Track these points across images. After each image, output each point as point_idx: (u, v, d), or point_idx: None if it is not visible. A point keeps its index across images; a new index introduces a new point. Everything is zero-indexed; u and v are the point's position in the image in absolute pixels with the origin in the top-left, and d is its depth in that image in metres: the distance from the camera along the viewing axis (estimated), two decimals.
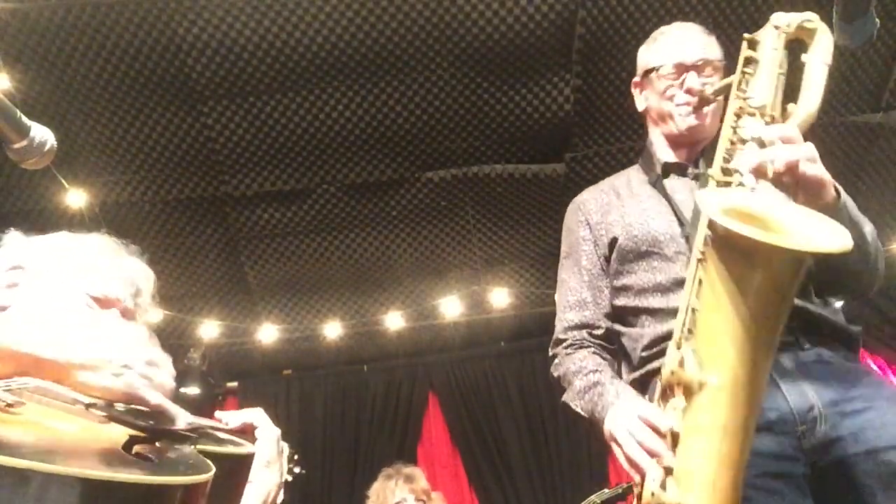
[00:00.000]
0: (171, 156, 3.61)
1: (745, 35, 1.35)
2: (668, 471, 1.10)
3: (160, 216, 3.90)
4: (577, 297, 1.61)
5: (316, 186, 3.90)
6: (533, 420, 4.69)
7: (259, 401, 4.76)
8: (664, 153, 1.63)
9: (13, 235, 1.35)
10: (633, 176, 1.69)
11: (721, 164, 1.28)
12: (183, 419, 0.93)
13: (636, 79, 1.71)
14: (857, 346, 1.45)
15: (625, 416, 1.25)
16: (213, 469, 0.76)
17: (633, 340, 1.50)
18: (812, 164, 1.18)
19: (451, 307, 4.53)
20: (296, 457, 1.87)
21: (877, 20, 1.52)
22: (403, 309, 4.60)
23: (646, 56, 1.67)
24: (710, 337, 1.07)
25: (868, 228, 1.39)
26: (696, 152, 1.60)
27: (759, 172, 1.15)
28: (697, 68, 1.54)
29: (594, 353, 1.53)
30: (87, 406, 0.85)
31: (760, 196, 1.15)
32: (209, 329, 4.42)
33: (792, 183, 1.18)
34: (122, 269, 1.34)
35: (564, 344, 1.57)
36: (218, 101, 3.40)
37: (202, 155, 3.63)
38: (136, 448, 0.74)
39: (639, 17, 3.22)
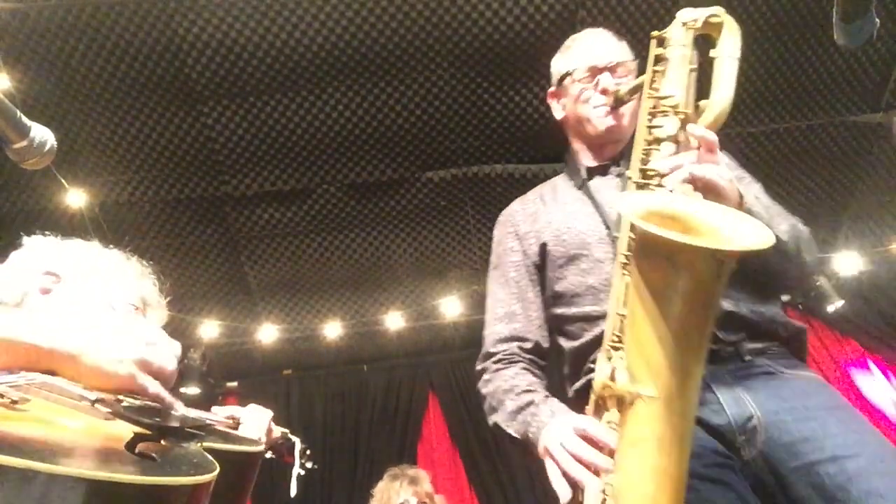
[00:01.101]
0: (171, 156, 3.61)
1: (653, 33, 1.33)
2: (607, 488, 1.07)
3: (160, 216, 3.90)
4: (505, 309, 1.57)
5: (316, 186, 3.90)
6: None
7: (259, 401, 4.77)
8: (586, 158, 1.64)
9: (38, 239, 1.36)
10: (559, 183, 1.70)
11: (639, 166, 1.26)
12: (181, 411, 0.93)
13: (551, 89, 1.71)
14: (802, 345, 1.42)
15: (560, 431, 1.19)
16: (217, 468, 0.75)
17: (572, 350, 1.46)
18: (714, 172, 1.17)
19: (451, 307, 4.53)
20: (308, 452, 1.87)
21: (877, 20, 1.52)
22: (403, 309, 4.60)
23: (559, 64, 1.68)
24: (640, 345, 1.03)
25: (784, 227, 1.36)
26: (617, 152, 1.60)
27: (675, 176, 1.15)
28: (610, 69, 1.55)
29: (525, 369, 1.48)
30: (94, 402, 0.85)
31: (680, 197, 1.13)
32: (209, 329, 4.42)
33: (700, 188, 1.18)
34: (136, 278, 1.35)
35: (494, 358, 1.52)
36: (218, 101, 3.40)
37: (202, 155, 3.63)
38: (140, 446, 0.74)
39: (638, 17, 3.23)
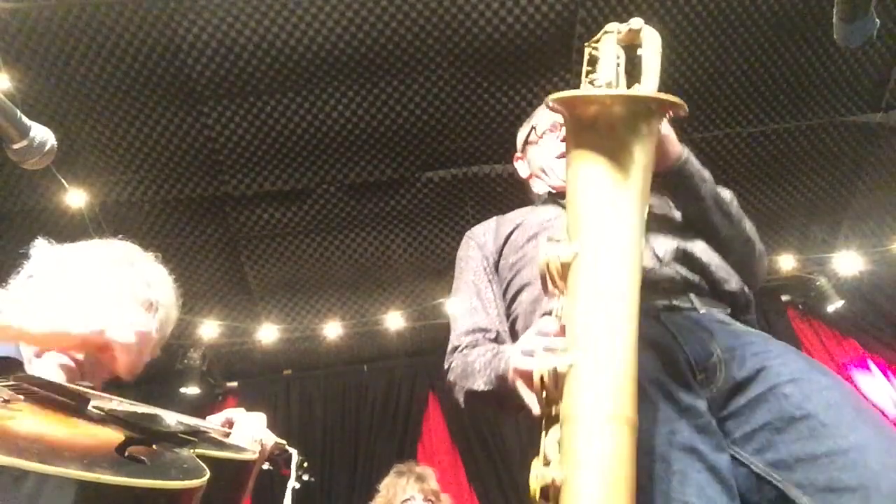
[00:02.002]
0: (171, 156, 3.61)
1: (587, 43, 1.48)
2: (566, 354, 1.03)
3: (160, 216, 3.90)
4: (467, 305, 1.62)
5: (316, 186, 3.90)
6: (533, 419, 4.67)
7: (259, 401, 4.78)
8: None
9: (39, 244, 1.36)
10: (523, 209, 1.78)
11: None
12: (173, 416, 0.93)
13: (517, 154, 1.84)
14: (751, 311, 1.48)
15: (516, 345, 1.21)
16: (207, 474, 0.75)
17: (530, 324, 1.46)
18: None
19: (451, 307, 4.52)
20: (305, 464, 1.86)
21: (877, 20, 1.52)
22: (403, 309, 4.60)
23: (524, 130, 1.82)
24: (576, 212, 1.08)
25: (726, 193, 1.51)
26: None
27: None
28: None
29: (491, 349, 1.50)
30: (86, 404, 0.85)
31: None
32: (209, 329, 4.42)
33: None
34: (129, 281, 1.34)
35: (460, 349, 1.54)
36: (218, 101, 3.41)
37: (202, 155, 3.63)
38: (131, 449, 0.74)
39: (639, 17, 3.22)
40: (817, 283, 4.61)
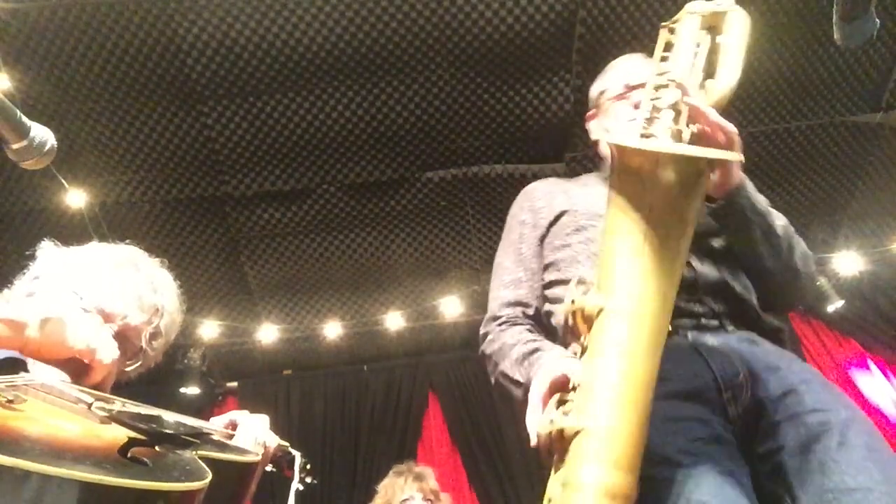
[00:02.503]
0: (171, 156, 3.61)
1: (663, 23, 1.39)
2: (569, 405, 1.06)
3: (160, 216, 3.90)
4: (512, 276, 1.63)
5: (316, 186, 3.90)
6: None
7: (259, 401, 4.78)
8: None
9: (45, 245, 1.36)
10: (588, 177, 1.76)
11: (640, 133, 1.27)
12: (176, 418, 0.93)
13: (589, 113, 1.77)
14: (781, 339, 1.45)
15: (549, 375, 1.21)
16: (209, 476, 0.75)
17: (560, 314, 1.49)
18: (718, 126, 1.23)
19: (451, 307, 4.53)
20: (308, 466, 1.86)
21: (877, 20, 1.52)
22: (403, 309, 4.60)
23: (596, 87, 1.75)
24: (609, 262, 1.05)
25: (780, 221, 1.43)
26: None
27: (673, 137, 1.18)
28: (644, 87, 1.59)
29: (529, 329, 1.52)
30: (90, 405, 0.85)
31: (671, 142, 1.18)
32: (209, 329, 4.42)
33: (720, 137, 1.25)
34: (133, 285, 1.34)
35: (499, 321, 1.56)
36: (218, 101, 3.40)
37: (202, 155, 3.63)
38: (134, 451, 0.74)
39: (639, 17, 3.23)
40: (817, 284, 4.61)
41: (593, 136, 1.74)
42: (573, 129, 3.70)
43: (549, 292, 1.57)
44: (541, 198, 1.69)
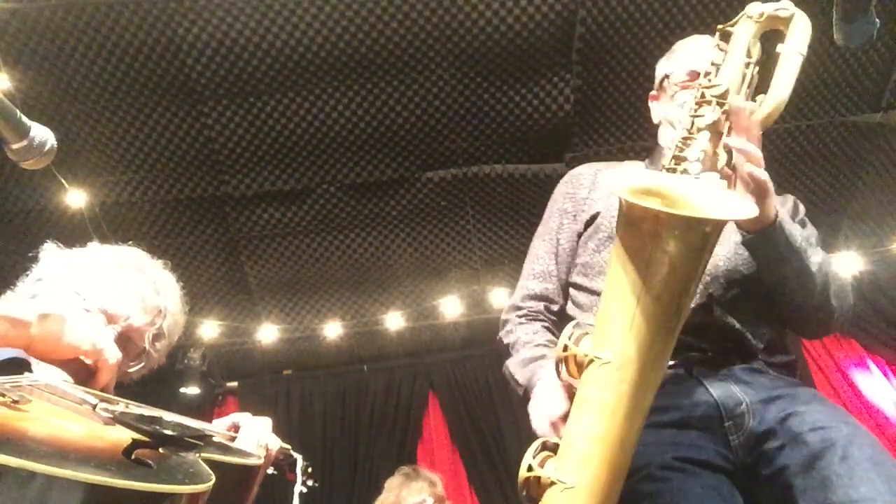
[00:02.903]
0: (171, 156, 3.61)
1: (719, 26, 1.33)
2: (553, 448, 1.09)
3: (160, 216, 3.90)
4: (543, 267, 1.60)
5: (316, 186, 3.90)
6: None
7: (259, 401, 4.78)
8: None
9: (48, 247, 1.36)
10: (638, 166, 1.68)
11: (675, 153, 1.23)
12: (180, 420, 0.93)
13: (653, 92, 1.70)
14: (793, 371, 1.43)
15: (539, 402, 1.26)
16: (213, 479, 0.75)
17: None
18: (755, 167, 1.19)
19: (451, 307, 4.53)
20: (310, 469, 1.86)
21: (877, 20, 1.52)
22: (403, 309, 4.60)
23: (661, 67, 1.68)
24: (607, 314, 1.04)
25: (817, 259, 1.36)
26: None
27: (705, 161, 1.15)
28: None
29: (546, 328, 1.52)
30: (94, 406, 0.85)
31: (688, 180, 1.11)
32: (209, 329, 4.42)
33: (737, 178, 1.20)
34: (137, 286, 1.34)
35: (520, 312, 1.56)
36: (218, 101, 3.40)
37: (202, 155, 3.63)
38: (138, 453, 0.74)
39: (639, 17, 3.22)
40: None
41: (654, 119, 1.67)
42: (573, 129, 3.70)
43: (573, 291, 1.56)
44: (585, 186, 1.64)
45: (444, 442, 4.84)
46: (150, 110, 3.40)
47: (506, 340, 1.55)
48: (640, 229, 0.99)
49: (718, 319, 1.36)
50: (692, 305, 1.28)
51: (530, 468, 1.08)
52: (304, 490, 1.80)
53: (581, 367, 1.06)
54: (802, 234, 1.36)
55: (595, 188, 1.62)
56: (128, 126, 3.44)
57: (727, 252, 1.42)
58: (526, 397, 1.38)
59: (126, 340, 1.29)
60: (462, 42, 3.29)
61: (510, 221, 4.22)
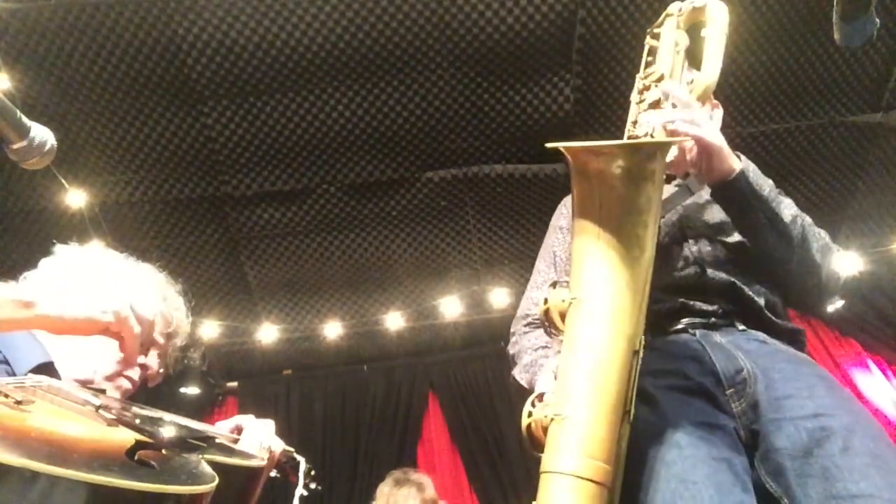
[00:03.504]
0: (171, 156, 3.60)
1: (648, 30, 1.44)
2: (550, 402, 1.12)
3: (160, 216, 3.90)
4: (544, 277, 1.67)
5: (316, 186, 3.90)
6: None
7: (259, 401, 4.78)
8: None
9: (67, 248, 1.37)
10: None
11: (629, 131, 1.35)
12: (183, 422, 0.93)
13: None
14: (798, 341, 1.45)
15: (545, 376, 1.29)
16: (216, 480, 0.75)
17: None
18: (696, 128, 1.26)
19: (451, 307, 4.53)
20: (312, 472, 1.86)
21: (877, 20, 1.52)
22: (403, 309, 4.60)
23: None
24: (576, 259, 1.12)
25: (790, 212, 1.43)
26: (684, 175, 1.64)
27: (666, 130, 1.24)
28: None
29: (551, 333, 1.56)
30: (97, 408, 0.85)
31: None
32: (209, 329, 4.42)
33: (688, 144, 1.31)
34: (164, 307, 1.36)
35: (525, 322, 1.61)
36: (218, 101, 3.40)
37: (202, 155, 3.63)
38: (141, 453, 0.74)
39: (639, 17, 3.22)
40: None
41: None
42: (573, 129, 3.70)
43: None
44: None
45: (444, 442, 4.85)
46: (150, 110, 3.39)
47: (511, 351, 1.60)
48: (587, 174, 1.07)
49: (712, 276, 1.41)
50: (685, 268, 1.39)
51: (530, 414, 1.12)
52: (305, 493, 1.80)
53: (563, 315, 1.12)
54: (770, 186, 1.44)
55: None
56: (128, 126, 3.44)
57: (706, 208, 1.51)
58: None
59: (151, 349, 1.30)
60: (462, 42, 3.29)
61: (510, 221, 4.22)
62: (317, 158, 3.75)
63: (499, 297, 4.46)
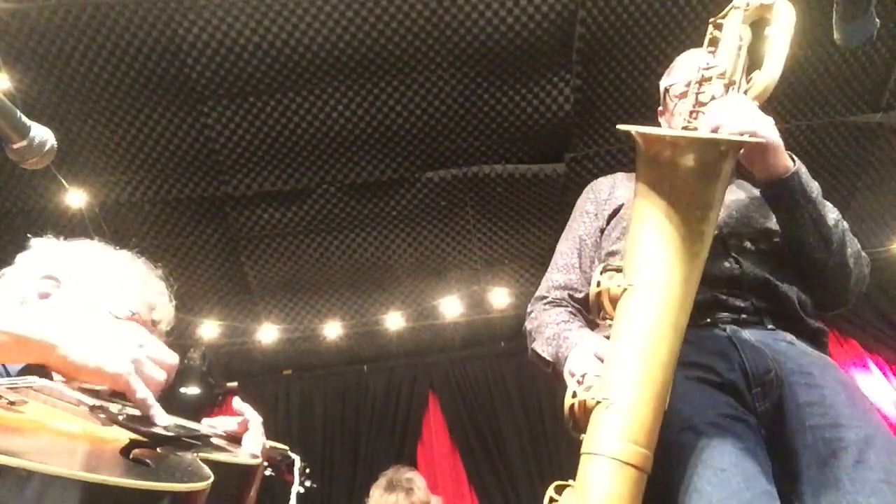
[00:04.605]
0: (171, 156, 3.61)
1: (711, 20, 1.44)
2: (595, 381, 1.12)
3: (160, 216, 3.90)
4: (566, 260, 1.67)
5: (316, 186, 3.90)
6: (533, 420, 4.69)
7: (259, 401, 4.78)
8: None
9: (42, 241, 1.37)
10: None
11: (683, 125, 1.35)
12: (165, 420, 0.91)
13: (660, 108, 1.78)
14: (822, 341, 1.50)
15: (579, 353, 1.27)
16: (212, 478, 0.75)
17: None
18: (754, 127, 1.27)
19: (451, 307, 4.53)
20: (307, 470, 1.86)
21: (877, 20, 1.52)
22: (403, 309, 4.60)
23: (662, 82, 1.76)
24: (634, 245, 1.11)
25: (833, 216, 1.45)
26: None
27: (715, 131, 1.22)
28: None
29: (570, 311, 1.56)
30: (91, 408, 0.85)
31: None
32: (209, 329, 4.42)
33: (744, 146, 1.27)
34: (146, 292, 1.35)
35: (544, 301, 1.61)
36: (218, 101, 3.40)
37: (202, 155, 3.63)
38: (135, 452, 0.74)
39: (639, 18, 3.22)
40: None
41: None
42: (573, 129, 3.70)
43: None
44: (605, 189, 1.73)
45: (444, 442, 4.84)
46: (150, 110, 3.40)
47: (529, 327, 1.59)
48: (658, 162, 1.07)
49: (748, 272, 1.41)
50: (722, 262, 1.38)
51: (574, 394, 1.12)
52: (302, 490, 1.81)
53: (615, 300, 1.12)
54: (818, 189, 1.44)
55: (616, 188, 1.70)
56: (128, 126, 3.44)
57: (750, 207, 1.50)
58: (555, 373, 1.41)
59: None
60: (462, 42, 3.29)
61: (510, 221, 4.22)
62: (317, 158, 3.75)
63: (499, 297, 4.46)
